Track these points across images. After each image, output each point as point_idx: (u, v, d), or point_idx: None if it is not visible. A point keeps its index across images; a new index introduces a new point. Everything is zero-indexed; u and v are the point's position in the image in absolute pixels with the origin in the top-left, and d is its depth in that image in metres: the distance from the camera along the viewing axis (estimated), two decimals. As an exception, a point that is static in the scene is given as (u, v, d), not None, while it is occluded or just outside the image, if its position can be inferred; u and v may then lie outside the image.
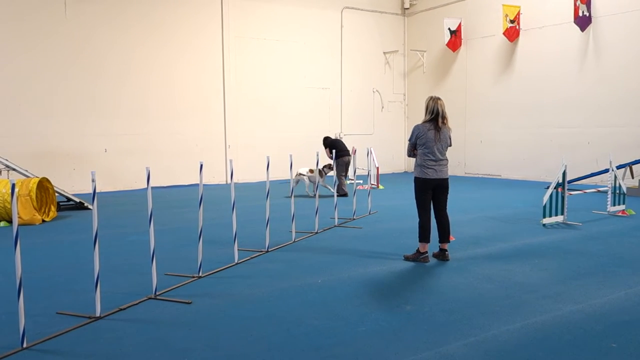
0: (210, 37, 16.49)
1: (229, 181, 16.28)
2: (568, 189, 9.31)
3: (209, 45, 16.47)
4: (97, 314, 4.56)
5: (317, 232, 8.23)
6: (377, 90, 19.81)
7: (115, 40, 15.00)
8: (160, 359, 3.79)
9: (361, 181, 14.55)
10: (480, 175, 17.62)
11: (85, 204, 11.21)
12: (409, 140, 6.51)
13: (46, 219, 9.89)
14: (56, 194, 10.57)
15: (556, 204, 8.78)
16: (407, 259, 6.49)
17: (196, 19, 16.23)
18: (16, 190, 4.00)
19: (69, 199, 11.34)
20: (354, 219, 9.36)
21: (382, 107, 19.93)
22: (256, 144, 16.85)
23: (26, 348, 3.94)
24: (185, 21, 16.06)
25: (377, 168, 14.40)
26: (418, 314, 4.65)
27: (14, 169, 11.00)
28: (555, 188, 8.75)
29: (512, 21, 15.96)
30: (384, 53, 19.79)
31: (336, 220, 8.96)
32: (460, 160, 18.08)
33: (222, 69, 16.70)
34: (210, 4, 16.42)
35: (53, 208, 10.23)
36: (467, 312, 4.67)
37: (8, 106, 13.67)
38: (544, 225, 8.63)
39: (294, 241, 7.61)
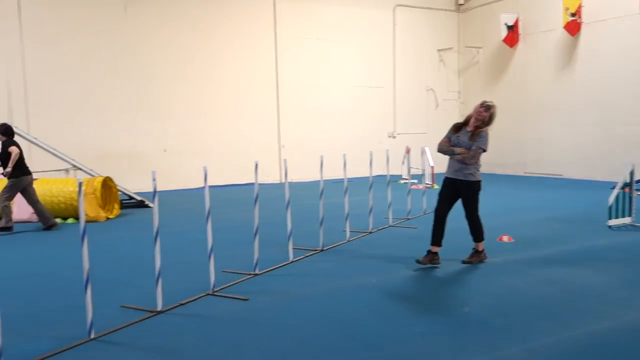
0: (264, 38, 16.70)
1: (283, 180, 16.46)
2: (636, 189, 8.91)
3: (263, 46, 16.68)
4: (159, 309, 4.70)
5: (371, 232, 8.21)
6: (431, 89, 19.55)
7: (172, 42, 15.42)
8: (217, 355, 3.88)
9: (416, 181, 14.40)
10: (540, 175, 17.09)
11: (146, 202, 11.59)
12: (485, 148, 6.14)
13: (110, 216, 10.29)
14: (119, 193, 10.97)
15: (623, 205, 8.42)
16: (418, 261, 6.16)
17: (249, 21, 16.47)
18: (82, 188, 4.18)
19: (130, 197, 11.76)
20: (409, 219, 9.28)
21: (437, 106, 19.65)
22: (309, 144, 16.93)
23: (93, 339, 4.11)
24: (239, 23, 16.33)
25: (432, 167, 14.21)
26: (475, 317, 4.56)
27: (80, 169, 11.49)
28: (622, 188, 8.40)
29: (573, 14, 15.39)
30: (438, 50, 19.50)
31: (390, 220, 8.90)
32: (519, 159, 17.61)
33: (275, 70, 16.88)
34: (263, 6, 16.64)
35: (116, 206, 10.64)
36: (527, 316, 4.55)
37: (74, 108, 14.29)
38: (609, 227, 8.29)
39: (348, 240, 7.62)
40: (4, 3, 13.58)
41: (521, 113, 17.53)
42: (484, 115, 6.04)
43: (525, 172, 17.64)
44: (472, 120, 6.12)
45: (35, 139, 11.55)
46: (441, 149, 6.28)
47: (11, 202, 9.31)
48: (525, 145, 17.42)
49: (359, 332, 4.25)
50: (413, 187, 12.04)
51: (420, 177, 14.05)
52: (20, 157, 9.08)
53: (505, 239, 7.54)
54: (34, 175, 9.40)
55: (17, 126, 11.86)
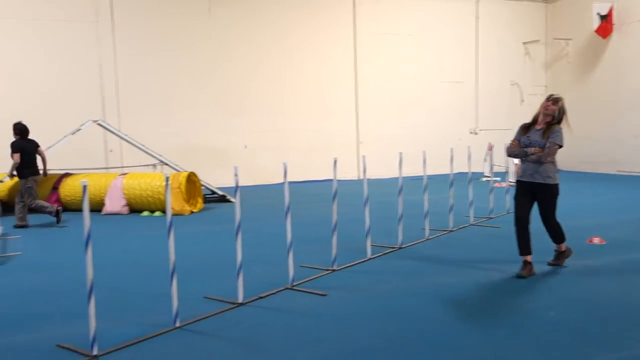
0: (343, 34, 16.74)
1: (361, 177, 16.41)
2: None
3: (342, 42, 16.74)
4: (240, 301, 4.82)
5: (451, 230, 8.03)
6: (515, 83, 18.84)
7: (254, 41, 15.78)
8: (296, 348, 3.92)
9: (499, 178, 13.94)
10: (636, 174, 16.04)
11: (228, 197, 11.94)
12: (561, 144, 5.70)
13: (194, 210, 10.69)
14: (202, 187, 11.37)
15: None
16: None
17: (329, 17, 16.58)
18: (169, 183, 4.35)
19: (213, 192, 12.16)
20: (491, 218, 9.00)
21: (522, 101, 18.90)
22: (388, 140, 16.79)
23: (178, 327, 4.28)
24: (319, 20, 16.46)
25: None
26: (563, 322, 4.34)
27: (166, 164, 12.01)
28: None
29: (674, 2, 14.33)
30: (524, 43, 18.75)
31: (471, 218, 8.66)
32: (612, 157, 16.62)
33: (354, 66, 16.88)
34: (342, 2, 16.67)
35: (200, 200, 11.03)
36: (622, 323, 4.27)
37: (161, 105, 14.95)
38: None
39: (427, 239, 7.49)
40: (99, 9, 14.40)
41: (614, 109, 16.53)
42: (553, 109, 5.66)
43: (617, 171, 16.62)
44: (540, 118, 5.74)
45: (126, 135, 12.19)
46: (511, 152, 5.90)
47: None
48: (619, 143, 16.41)
49: (437, 332, 4.16)
50: (495, 185, 11.67)
51: (503, 175, 13.61)
52: (31, 158, 9.49)
53: (596, 241, 7.12)
54: (125, 170, 9.94)
55: (109, 123, 12.59)
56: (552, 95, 5.78)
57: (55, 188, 11.21)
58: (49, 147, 10.90)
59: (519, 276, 5.57)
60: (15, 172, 9.42)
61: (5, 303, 5.10)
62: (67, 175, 11.49)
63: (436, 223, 8.15)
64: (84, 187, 3.69)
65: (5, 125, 13.75)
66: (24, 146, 9.45)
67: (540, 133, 5.67)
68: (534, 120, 5.83)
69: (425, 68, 17.61)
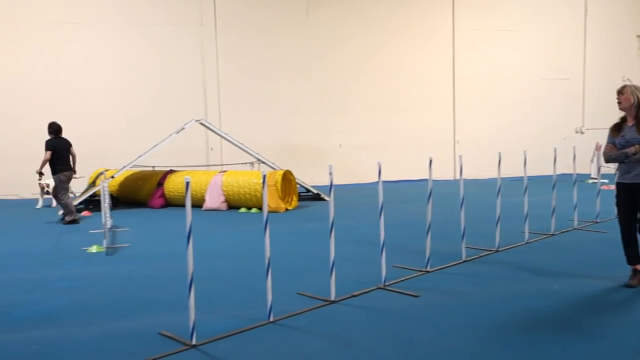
0: (441, 31, 16.43)
1: (457, 177, 16.03)
2: None
3: (440, 39, 16.43)
4: (332, 298, 4.86)
5: (553, 234, 7.63)
6: (627, 79, 17.46)
7: (349, 41, 15.87)
8: (388, 347, 3.89)
9: (606, 180, 13.07)
10: None
11: (322, 195, 12.08)
12: None
13: (289, 208, 10.91)
14: (297, 185, 11.58)
15: None
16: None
17: (427, 15, 16.32)
18: (266, 181, 4.47)
19: (308, 190, 12.36)
20: (597, 222, 8.46)
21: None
22: (486, 139, 16.26)
23: (272, 322, 4.38)
24: (416, 17, 16.26)
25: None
26: (679, 336, 3.99)
27: (263, 162, 12.35)
28: None
29: None
30: (638, 36, 17.43)
31: (575, 222, 8.19)
32: None
33: (452, 63, 16.50)
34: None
35: (295, 198, 11.24)
36: None
37: (260, 105, 15.43)
38: None
39: (527, 242, 7.17)
40: (203, 13, 15.08)
41: None
42: (630, 99, 5.17)
43: None
44: (629, 114, 5.25)
45: (226, 134, 12.67)
46: (609, 158, 5.41)
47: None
48: None
49: (535, 340, 3.96)
50: (603, 187, 10.94)
51: (611, 177, 12.75)
52: (62, 156, 9.89)
53: None
54: (225, 167, 10.33)
55: (210, 122, 13.14)
56: (620, 87, 5.32)
57: (160, 184, 11.88)
58: (155, 145, 11.57)
59: (628, 285, 5.19)
60: (42, 170, 10.05)
61: (112, 291, 5.47)
62: (171, 172, 12.14)
63: (537, 226, 7.78)
64: (187, 183, 3.88)
65: (118, 125, 14.79)
66: (56, 144, 9.94)
67: (634, 129, 5.19)
68: (623, 119, 5.38)
69: (527, 64, 16.87)
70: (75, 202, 11.32)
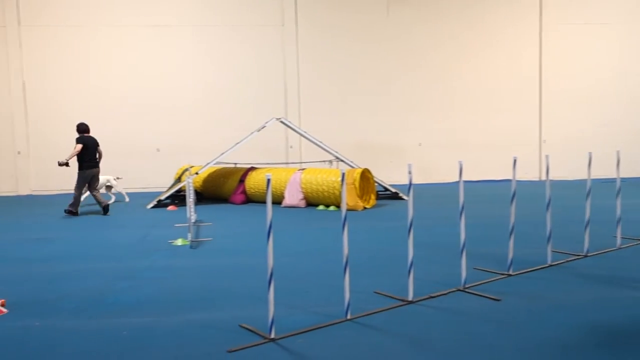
0: (527, 27, 15.82)
1: (543, 178, 15.40)
2: None
3: (526, 34, 15.85)
4: (409, 298, 4.81)
5: (648, 240, 7.16)
6: None
7: (431, 38, 15.62)
8: (468, 351, 3.80)
9: None
10: None
11: (400, 194, 11.96)
12: None
13: (367, 206, 10.89)
14: (375, 184, 11.54)
15: None
16: None
17: (512, 9, 15.75)
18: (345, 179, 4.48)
19: (386, 189, 12.28)
20: (700, 229, 7.85)
21: None
22: (575, 139, 15.53)
23: (349, 319, 4.39)
24: (501, 14, 15.75)
25: None
26: None
27: (342, 160, 12.39)
28: None
29: None
30: None
31: (675, 228, 7.64)
32: None
33: (538, 60, 15.85)
34: (528, -7, 15.77)
35: (373, 196, 11.20)
36: None
37: (338, 103, 15.51)
38: None
39: (619, 248, 6.77)
40: (284, 13, 15.34)
41: None
42: None
43: None
44: None
45: (305, 132, 12.82)
46: None
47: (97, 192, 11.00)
48: None
49: (630, 354, 3.73)
50: None
51: None
52: (90, 152, 10.61)
53: None
54: (304, 165, 10.46)
55: (290, 121, 13.35)
56: None
57: (241, 181, 12.21)
58: (237, 143, 11.91)
59: None
60: (69, 162, 10.63)
61: (196, 283, 5.68)
62: (252, 169, 12.44)
63: (631, 231, 7.33)
64: (268, 180, 3.96)
65: (203, 123, 15.35)
66: (86, 141, 10.70)
67: None
68: None
69: (622, 60, 15.92)
70: (162, 197, 11.87)
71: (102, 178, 11.81)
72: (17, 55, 15.08)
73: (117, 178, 12.76)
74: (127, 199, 12.85)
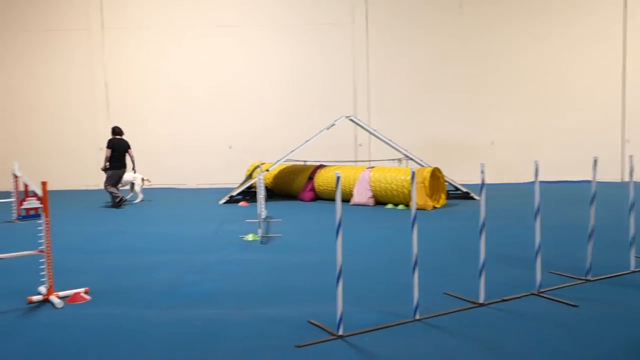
0: (610, 18, 15.03)
1: (626, 179, 14.62)
2: None
3: (608, 28, 15.06)
4: (480, 301, 4.70)
5: None
6: None
7: (505, 35, 15.16)
8: (538, 357, 3.67)
9: None
10: None
11: (471, 194, 11.69)
12: None
13: (436, 206, 10.72)
14: (446, 183, 11.34)
15: None
16: None
17: (594, 6, 15.04)
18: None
19: (456, 189, 12.04)
20: None
21: None
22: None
23: (418, 320, 4.35)
24: (582, 5, 15.05)
25: None
26: None
27: (411, 159, 12.26)
28: None
29: None
30: None
31: None
32: None
33: (622, 54, 15.06)
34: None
35: (443, 196, 11.01)
36: None
37: (408, 101, 15.35)
38: None
39: None
40: (354, 10, 15.32)
41: None
42: None
43: None
44: None
45: (375, 130, 12.77)
46: None
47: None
48: None
49: None
50: None
51: None
52: (119, 154, 11.40)
53: None
54: (373, 163, 10.43)
55: (359, 119, 13.34)
56: None
57: (310, 178, 12.32)
58: (307, 141, 12.02)
59: None
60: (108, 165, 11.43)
61: (265, 278, 5.79)
62: (321, 166, 12.53)
63: None
64: (338, 178, 3.97)
65: (274, 121, 15.61)
66: (115, 144, 11.46)
67: None
68: None
69: None
70: (234, 193, 12.19)
71: (129, 175, 12.37)
72: (100, 57, 15.90)
73: (145, 179, 12.91)
74: (138, 200, 12.76)
